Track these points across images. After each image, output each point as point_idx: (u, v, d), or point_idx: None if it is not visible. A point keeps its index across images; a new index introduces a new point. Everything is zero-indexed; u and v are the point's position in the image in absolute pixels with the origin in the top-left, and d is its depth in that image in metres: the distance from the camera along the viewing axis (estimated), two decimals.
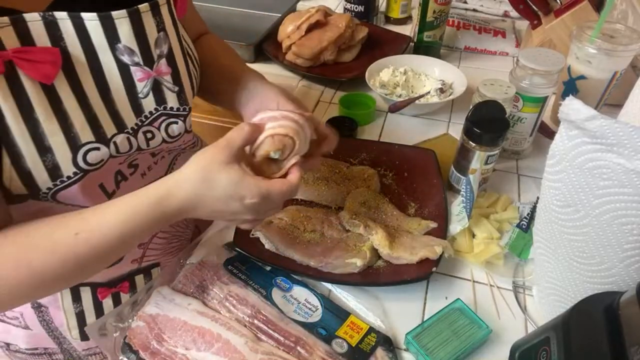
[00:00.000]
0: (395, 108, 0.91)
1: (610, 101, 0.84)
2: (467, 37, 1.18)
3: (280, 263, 0.63)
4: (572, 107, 0.42)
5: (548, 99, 0.76)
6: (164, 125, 0.56)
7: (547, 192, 0.50)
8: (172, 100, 0.55)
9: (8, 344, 0.72)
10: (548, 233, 0.52)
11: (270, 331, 0.55)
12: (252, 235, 0.66)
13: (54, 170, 0.48)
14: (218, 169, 0.47)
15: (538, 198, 0.70)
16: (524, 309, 0.60)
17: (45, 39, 0.45)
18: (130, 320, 0.57)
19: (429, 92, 0.94)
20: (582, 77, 0.80)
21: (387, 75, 0.97)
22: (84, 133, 0.48)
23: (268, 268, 0.63)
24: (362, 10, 1.22)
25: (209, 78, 0.66)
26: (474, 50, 1.16)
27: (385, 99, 0.93)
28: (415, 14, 1.09)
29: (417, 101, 0.91)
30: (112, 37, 0.48)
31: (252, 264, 0.64)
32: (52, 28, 0.45)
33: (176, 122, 0.56)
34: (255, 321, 0.56)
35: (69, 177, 0.49)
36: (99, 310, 0.68)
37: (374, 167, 0.78)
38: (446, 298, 0.62)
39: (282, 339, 0.55)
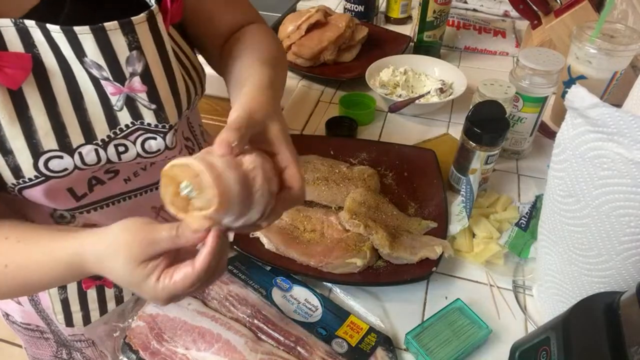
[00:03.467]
0: (395, 108, 0.91)
1: (610, 101, 0.83)
2: (467, 37, 1.18)
3: (280, 263, 0.63)
4: (577, 95, 0.42)
5: (548, 99, 0.76)
6: (140, 139, 0.53)
7: (552, 182, 0.50)
8: (149, 117, 0.52)
9: (7, 314, 0.74)
10: (551, 225, 0.52)
11: (270, 331, 0.55)
12: (252, 235, 0.66)
13: (15, 171, 0.48)
14: (123, 264, 0.43)
15: (537, 197, 0.70)
16: (524, 309, 0.60)
17: (18, 45, 0.45)
18: (130, 320, 0.57)
19: (429, 92, 0.94)
20: (582, 77, 0.80)
21: (387, 75, 0.97)
22: (47, 140, 0.48)
23: (268, 268, 0.63)
24: (362, 10, 1.22)
25: (228, 76, 0.61)
26: (474, 50, 1.16)
27: (385, 99, 0.93)
28: (415, 14, 1.09)
29: (417, 101, 0.91)
30: (78, 50, 0.46)
31: (252, 264, 0.64)
32: (24, 35, 0.45)
33: (154, 138, 0.53)
34: (255, 321, 0.56)
35: (30, 179, 0.49)
36: (83, 300, 0.67)
37: (374, 167, 0.78)
38: (446, 298, 0.62)
39: (282, 338, 0.55)
